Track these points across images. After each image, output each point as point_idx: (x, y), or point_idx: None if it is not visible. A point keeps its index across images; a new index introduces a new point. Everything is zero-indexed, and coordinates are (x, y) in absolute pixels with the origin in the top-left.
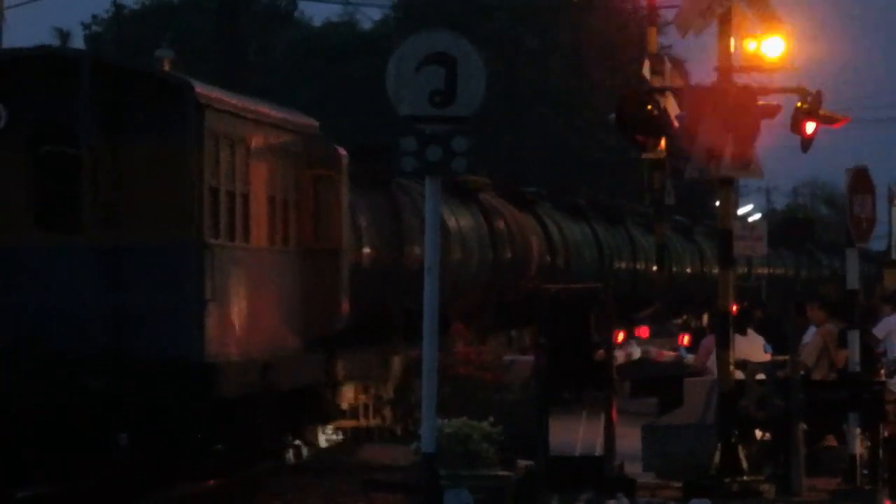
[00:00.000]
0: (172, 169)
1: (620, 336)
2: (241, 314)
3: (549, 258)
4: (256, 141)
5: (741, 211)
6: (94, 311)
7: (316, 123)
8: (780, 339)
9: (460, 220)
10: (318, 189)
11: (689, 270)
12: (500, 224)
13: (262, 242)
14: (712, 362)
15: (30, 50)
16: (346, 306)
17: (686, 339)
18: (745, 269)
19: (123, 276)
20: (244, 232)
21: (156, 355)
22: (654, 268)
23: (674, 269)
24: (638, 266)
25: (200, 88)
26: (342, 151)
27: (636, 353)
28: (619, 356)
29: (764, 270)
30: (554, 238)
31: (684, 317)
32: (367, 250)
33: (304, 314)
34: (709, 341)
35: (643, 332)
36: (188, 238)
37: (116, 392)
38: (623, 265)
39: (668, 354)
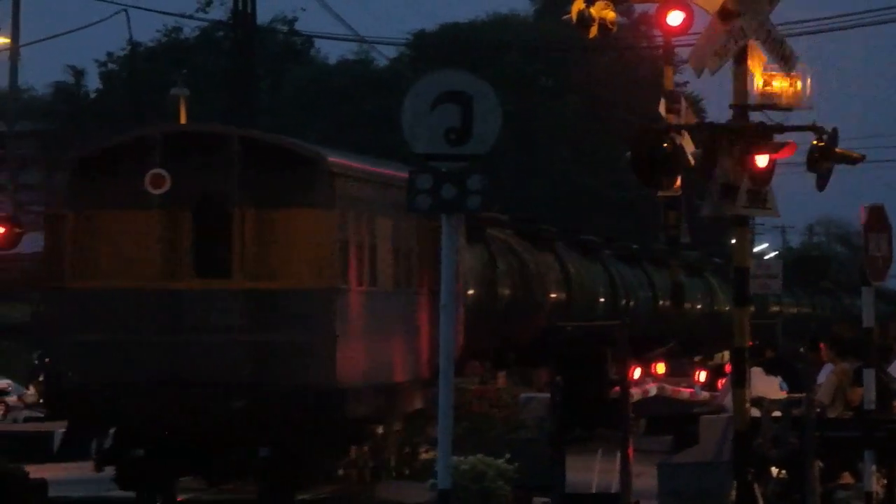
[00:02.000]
0: (308, 226)
1: (637, 372)
2: (368, 347)
3: (564, 296)
4: (380, 199)
5: (756, 249)
6: (241, 345)
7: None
8: (793, 378)
9: (499, 259)
10: (436, 239)
11: (699, 308)
12: (517, 262)
13: (387, 286)
14: (728, 400)
15: (190, 126)
16: (461, 339)
17: (703, 376)
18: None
19: (266, 316)
20: (371, 278)
21: (293, 382)
22: (668, 304)
23: (688, 306)
24: (653, 304)
25: (332, 158)
26: None
27: (652, 389)
28: (635, 392)
29: (779, 309)
30: (572, 276)
31: (697, 358)
32: (470, 291)
33: (424, 347)
34: (728, 381)
35: (659, 368)
36: (321, 284)
37: (261, 412)
38: (638, 303)
39: (684, 391)
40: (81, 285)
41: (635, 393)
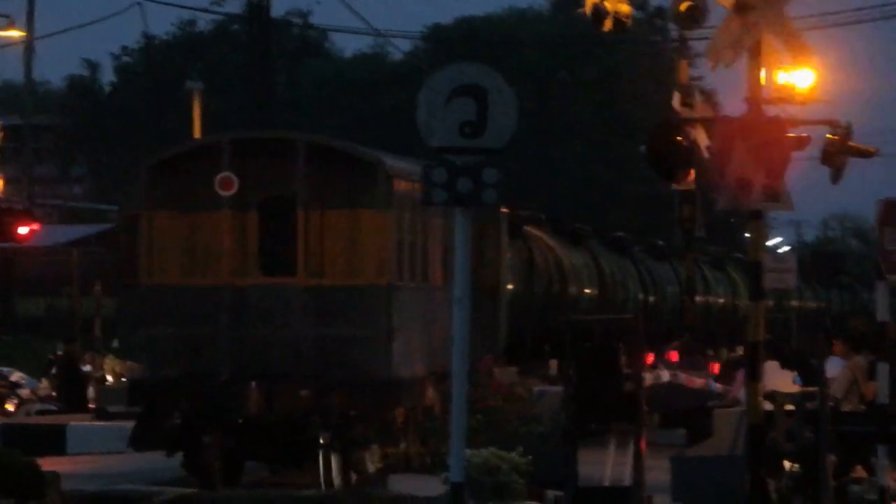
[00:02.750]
0: (367, 226)
1: (650, 358)
2: (421, 339)
3: (598, 292)
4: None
5: (771, 243)
6: (304, 338)
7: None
8: (808, 372)
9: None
10: (482, 237)
11: (721, 301)
12: (553, 259)
13: (437, 282)
14: (743, 393)
15: (257, 132)
16: (504, 331)
17: (717, 368)
18: (772, 302)
19: (328, 310)
20: (422, 274)
21: (352, 372)
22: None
23: (706, 300)
24: (681, 299)
25: (389, 162)
26: (502, 207)
27: (665, 376)
28: (648, 378)
29: (794, 303)
30: (605, 273)
31: (710, 352)
32: (510, 286)
33: (471, 339)
34: (742, 375)
35: (673, 355)
36: (379, 281)
37: (322, 401)
38: (666, 298)
39: (698, 381)
40: (155, 282)
41: (648, 378)
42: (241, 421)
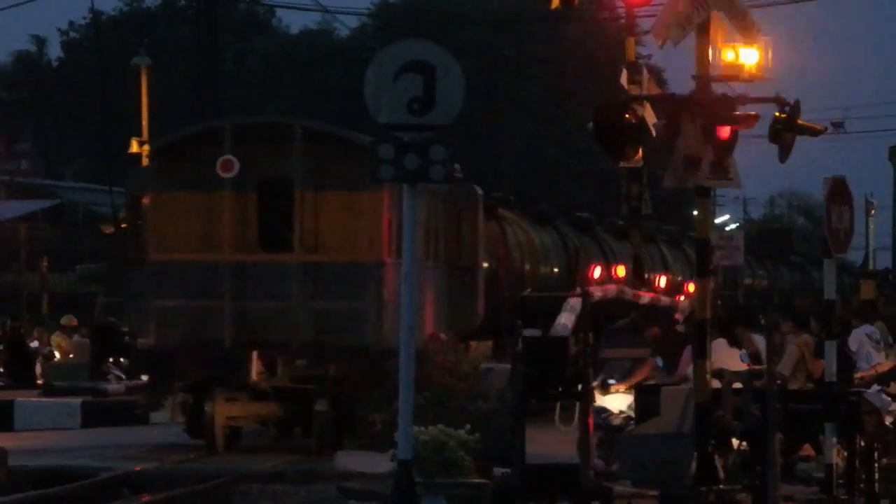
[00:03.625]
0: (360, 206)
1: (597, 272)
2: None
3: (567, 269)
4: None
5: (717, 221)
6: (301, 312)
7: (458, 167)
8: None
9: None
10: (460, 219)
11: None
12: (525, 238)
13: (421, 260)
14: (690, 370)
15: (257, 118)
16: (481, 308)
17: (663, 282)
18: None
19: (323, 285)
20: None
21: (347, 344)
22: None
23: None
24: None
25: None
26: (478, 190)
27: (612, 291)
28: (596, 292)
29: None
30: (571, 250)
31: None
32: (485, 265)
33: (451, 313)
34: (689, 353)
35: (619, 271)
36: (371, 258)
37: (318, 372)
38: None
39: (645, 295)
40: (161, 258)
41: (595, 292)
42: (240, 389)
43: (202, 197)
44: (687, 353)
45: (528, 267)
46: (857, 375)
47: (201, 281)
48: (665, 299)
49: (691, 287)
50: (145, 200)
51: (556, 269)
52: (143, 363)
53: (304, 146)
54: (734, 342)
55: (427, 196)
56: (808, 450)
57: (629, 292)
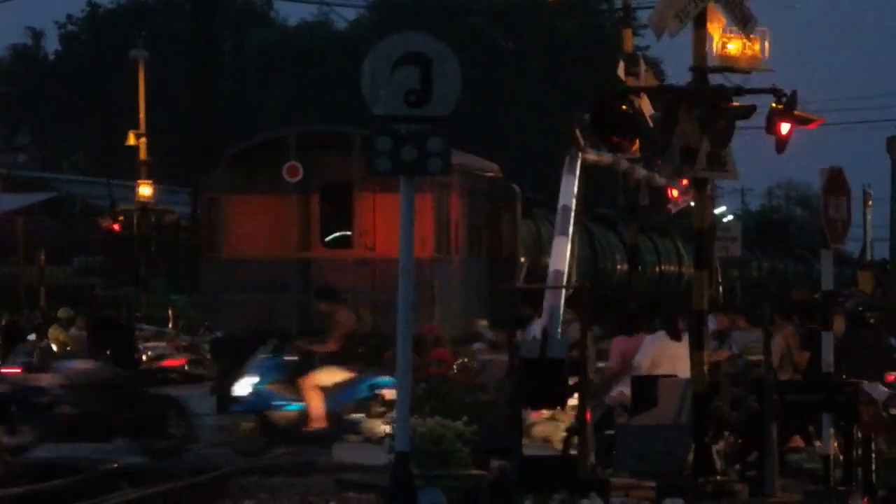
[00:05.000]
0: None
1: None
2: (455, 304)
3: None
4: (461, 185)
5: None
6: (360, 302)
7: (498, 167)
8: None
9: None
10: (500, 216)
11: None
12: None
13: (465, 255)
14: (638, 362)
15: (320, 127)
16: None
17: None
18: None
19: (379, 279)
20: (455, 248)
21: None
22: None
23: (656, 270)
24: (659, 271)
25: None
26: (517, 188)
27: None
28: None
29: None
30: (597, 248)
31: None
32: (523, 259)
33: (491, 304)
34: (618, 343)
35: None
36: (423, 255)
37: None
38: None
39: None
40: (233, 255)
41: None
42: None
43: (270, 200)
44: (619, 343)
45: (598, 265)
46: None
47: (269, 276)
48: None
49: None
50: (218, 203)
51: (618, 268)
52: (218, 351)
53: (361, 153)
54: (676, 334)
55: (470, 195)
56: (797, 441)
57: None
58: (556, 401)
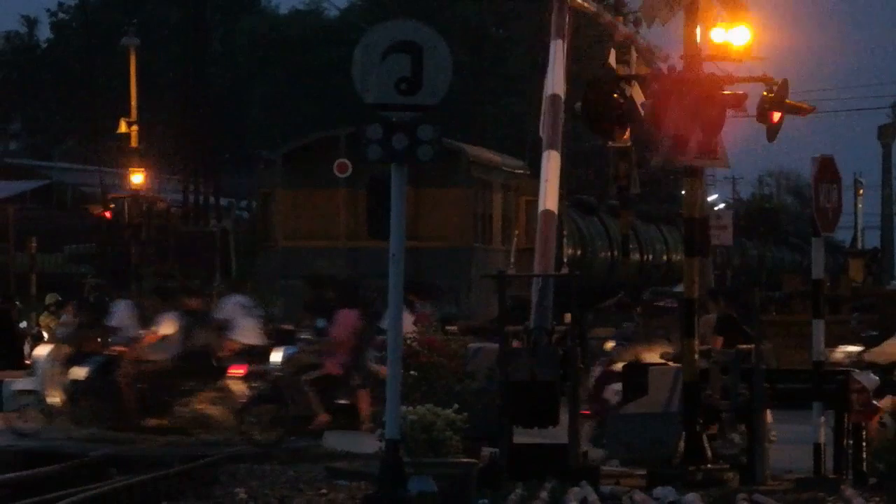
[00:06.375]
0: (452, 201)
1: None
2: (488, 289)
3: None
4: (494, 180)
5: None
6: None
7: (524, 163)
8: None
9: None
10: (528, 209)
11: (665, 258)
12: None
13: (498, 245)
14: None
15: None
16: None
17: None
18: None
19: (422, 266)
20: (490, 238)
21: (443, 315)
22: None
23: (647, 258)
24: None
25: (469, 150)
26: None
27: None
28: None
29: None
30: (584, 234)
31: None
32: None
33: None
34: (343, 315)
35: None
36: (462, 244)
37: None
38: (655, 257)
39: None
40: (287, 244)
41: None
42: None
43: (321, 194)
44: (344, 316)
45: (578, 252)
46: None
47: (321, 263)
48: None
49: None
50: (273, 197)
51: (601, 255)
52: (275, 333)
53: None
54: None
55: (503, 190)
56: (713, 429)
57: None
58: (549, 422)
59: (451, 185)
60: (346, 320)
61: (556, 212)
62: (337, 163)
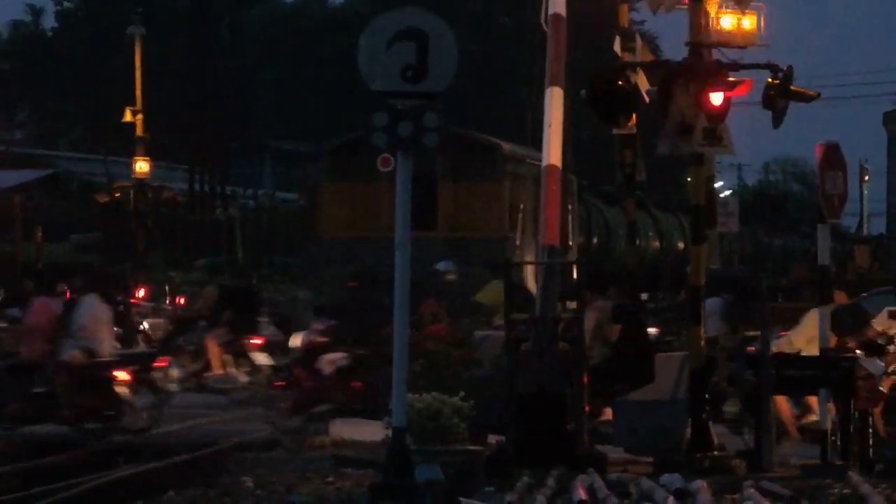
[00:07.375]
0: (489, 194)
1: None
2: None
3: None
4: (525, 173)
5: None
6: (444, 274)
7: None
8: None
9: None
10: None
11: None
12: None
13: (528, 235)
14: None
15: None
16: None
17: None
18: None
19: (461, 256)
20: (521, 229)
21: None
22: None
23: (654, 245)
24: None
25: (504, 146)
26: (571, 177)
27: None
28: None
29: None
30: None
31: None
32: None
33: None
34: (40, 303)
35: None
36: (498, 234)
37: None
38: (671, 245)
39: None
40: (334, 236)
41: None
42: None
43: (365, 187)
44: (40, 304)
45: (601, 241)
46: None
47: (364, 253)
48: None
49: None
50: (320, 190)
51: (621, 245)
52: (322, 315)
53: (445, 146)
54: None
55: (535, 184)
56: (607, 413)
57: None
58: (555, 447)
59: (487, 178)
60: (44, 308)
61: (559, 166)
62: (380, 158)
